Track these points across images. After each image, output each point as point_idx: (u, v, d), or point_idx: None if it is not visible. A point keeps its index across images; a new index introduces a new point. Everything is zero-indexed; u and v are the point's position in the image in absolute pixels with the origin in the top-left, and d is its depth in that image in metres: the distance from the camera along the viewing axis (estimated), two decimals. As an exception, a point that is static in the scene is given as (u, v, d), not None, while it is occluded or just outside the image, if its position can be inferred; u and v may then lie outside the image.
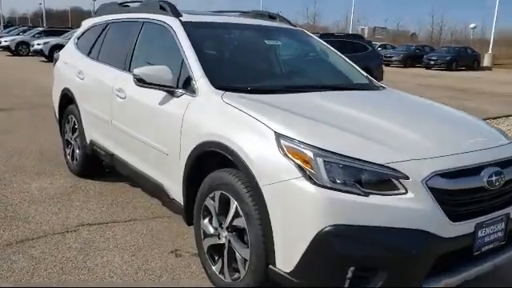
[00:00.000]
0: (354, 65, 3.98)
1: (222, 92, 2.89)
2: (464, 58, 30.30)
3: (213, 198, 2.75)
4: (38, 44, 23.11)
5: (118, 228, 3.69)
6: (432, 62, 29.32)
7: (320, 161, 2.18)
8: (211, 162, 2.81)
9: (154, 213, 4.02)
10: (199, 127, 2.84)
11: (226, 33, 3.72)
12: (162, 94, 3.20)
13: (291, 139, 2.30)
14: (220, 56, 3.41)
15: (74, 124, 4.74)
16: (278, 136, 2.34)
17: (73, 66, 4.73)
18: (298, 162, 2.22)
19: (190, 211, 3.02)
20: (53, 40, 23.23)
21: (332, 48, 4.09)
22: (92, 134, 4.36)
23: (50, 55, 22.43)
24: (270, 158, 2.32)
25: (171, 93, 3.15)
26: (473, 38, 53.99)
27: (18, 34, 30.33)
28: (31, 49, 24.28)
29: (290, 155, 2.26)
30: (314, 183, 2.16)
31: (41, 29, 29.85)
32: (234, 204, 2.56)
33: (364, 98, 3.36)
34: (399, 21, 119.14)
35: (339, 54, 4.09)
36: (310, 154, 2.21)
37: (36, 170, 5.07)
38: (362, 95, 3.41)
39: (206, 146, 2.75)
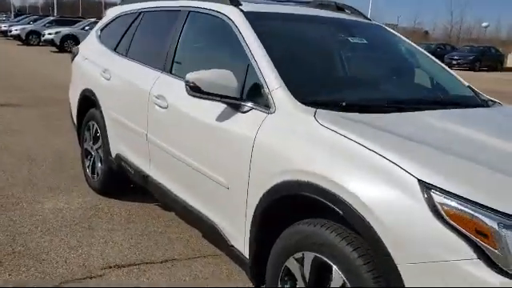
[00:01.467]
0: (451, 71, 3.17)
1: (312, 109, 2.09)
2: (488, 58, 29.26)
3: (300, 261, 1.97)
4: (49, 34, 22.41)
5: (153, 271, 2.92)
6: (454, 62, 28.27)
7: (510, 236, 1.39)
8: (297, 206, 2.03)
9: (194, 249, 3.24)
10: (281, 158, 2.05)
11: (300, 27, 2.91)
12: (220, 106, 2.41)
13: (450, 194, 1.50)
14: (298, 58, 2.60)
15: (96, 132, 3.97)
16: (427, 187, 1.55)
17: (96, 63, 3.95)
18: (468, 233, 1.43)
19: (259, 268, 2.24)
20: (64, 30, 22.54)
21: (421, 49, 3.28)
22: (119, 146, 3.59)
23: (62, 45, 21.84)
24: (415, 222, 1.52)
25: (235, 106, 2.36)
26: (484, 37, 52.69)
27: (29, 23, 29.64)
28: (42, 38, 23.60)
29: (450, 220, 1.47)
30: (501, 271, 1.37)
31: (52, 18, 29.14)
32: (338, 277, 1.77)
33: (486, 118, 2.55)
34: (416, 18, 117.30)
35: (430, 55, 3.27)
36: (491, 223, 1.41)
37: (49, 184, 4.30)
38: (482, 115, 2.60)
39: (293, 187, 1.95)
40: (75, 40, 22.19)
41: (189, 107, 2.66)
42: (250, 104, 2.31)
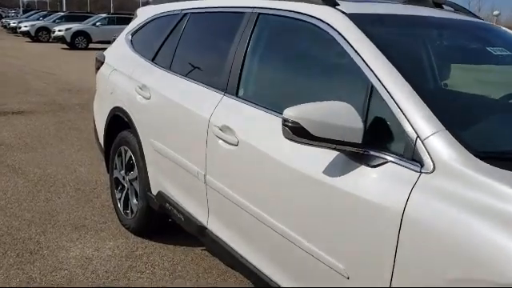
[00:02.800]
0: None
1: (501, 171, 1.35)
2: None
3: None
4: (60, 30, 21.74)
5: None
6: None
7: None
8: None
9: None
10: (460, 254, 1.30)
11: (424, 35, 2.15)
12: (328, 152, 1.68)
13: None
14: (447, 81, 1.85)
15: (130, 160, 3.25)
16: None
17: (129, 77, 3.22)
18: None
19: None
20: (75, 26, 21.86)
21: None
22: (163, 183, 2.87)
23: (72, 42, 21.18)
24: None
25: (358, 157, 1.61)
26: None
27: (38, 19, 29.01)
28: (52, 35, 22.95)
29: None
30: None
31: (61, 14, 28.48)
32: None
33: None
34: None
35: None
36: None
37: (73, 219, 3.59)
38: None
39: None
40: (86, 37, 21.55)
41: (275, 149, 1.92)
42: (384, 155, 1.56)
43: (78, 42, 21.42)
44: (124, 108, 3.22)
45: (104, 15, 23.52)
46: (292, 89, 2.07)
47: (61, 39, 21.66)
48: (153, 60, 3.12)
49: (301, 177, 1.78)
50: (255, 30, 2.33)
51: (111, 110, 3.41)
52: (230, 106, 2.27)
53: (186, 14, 2.99)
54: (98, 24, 21.96)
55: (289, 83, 2.15)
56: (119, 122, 3.37)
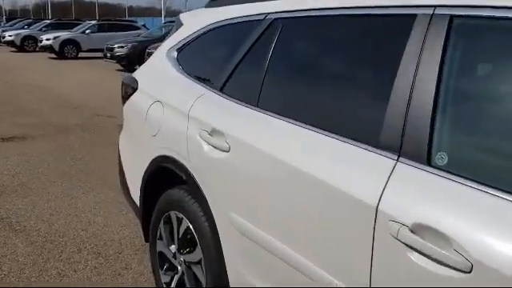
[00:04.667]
0: None
1: None
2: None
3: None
4: (48, 39, 20.49)
5: None
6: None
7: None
8: None
9: None
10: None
11: None
12: None
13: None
14: None
15: (188, 233, 2.22)
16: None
17: (185, 114, 2.18)
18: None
19: None
20: (63, 34, 20.66)
21: None
22: (254, 280, 1.84)
23: (61, 51, 20.06)
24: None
25: None
26: None
27: (23, 28, 27.71)
28: (39, 44, 21.71)
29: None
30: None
31: (48, 21, 27.17)
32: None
33: None
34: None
35: None
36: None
37: (100, 312, 2.57)
38: None
39: None
40: (76, 45, 20.36)
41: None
42: None
43: (67, 50, 20.20)
44: (178, 159, 2.20)
45: (94, 22, 22.32)
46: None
47: (49, 48, 20.44)
48: (222, 90, 2.11)
49: None
50: (449, 48, 1.33)
51: (155, 159, 2.38)
52: (414, 184, 1.27)
53: (275, 20, 1.97)
54: (87, 32, 20.75)
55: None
56: (168, 176, 2.35)
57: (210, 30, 2.35)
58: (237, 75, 2.07)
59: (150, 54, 14.70)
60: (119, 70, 15.90)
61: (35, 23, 28.19)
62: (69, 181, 4.66)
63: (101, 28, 21.02)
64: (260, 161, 1.76)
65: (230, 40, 2.22)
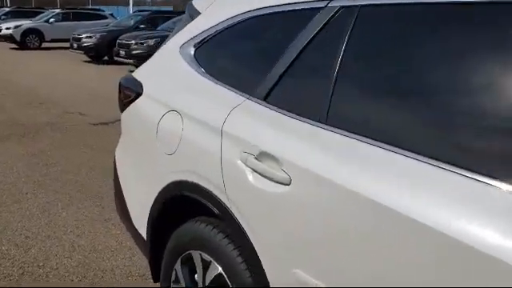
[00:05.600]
0: None
1: None
2: None
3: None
4: (8, 28, 19.25)
5: None
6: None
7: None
8: None
9: None
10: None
11: None
12: None
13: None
14: None
15: (218, 280, 1.73)
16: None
17: (214, 129, 1.66)
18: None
19: None
20: (25, 23, 19.44)
21: None
22: None
23: (23, 41, 18.93)
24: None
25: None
26: None
27: (-20, 16, 26.09)
28: (-2, 34, 20.44)
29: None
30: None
31: (7, 9, 25.66)
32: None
33: None
34: None
35: None
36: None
37: None
38: None
39: None
40: (39, 35, 19.22)
41: None
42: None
43: (29, 40, 19.01)
44: (207, 188, 1.69)
45: (58, 10, 21.13)
46: None
47: (9, 38, 19.21)
48: (267, 98, 1.61)
49: None
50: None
51: (171, 184, 1.87)
52: None
53: (345, 8, 1.49)
54: (51, 20, 19.59)
55: None
56: (186, 207, 1.85)
57: (244, 21, 1.84)
58: (289, 80, 1.58)
59: (121, 45, 14.02)
60: (86, 62, 15.05)
61: (-7, 11, 26.58)
62: (44, 193, 4.05)
63: (65, 17, 19.94)
64: (345, 203, 1.27)
65: (276, 34, 1.72)
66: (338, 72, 1.43)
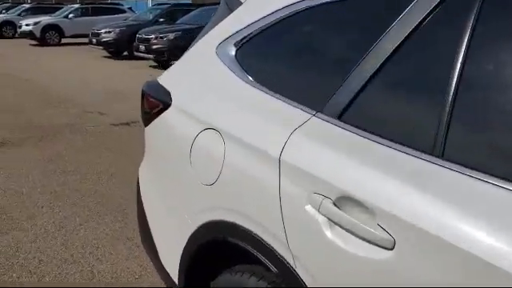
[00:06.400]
0: None
1: None
2: None
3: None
4: (27, 24, 19.10)
5: None
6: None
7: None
8: None
9: None
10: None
11: None
12: None
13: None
14: None
15: None
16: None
17: (268, 156, 1.23)
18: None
19: None
20: (44, 19, 19.26)
21: None
22: None
23: (43, 37, 18.78)
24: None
25: None
26: None
27: (1, 13, 26.11)
28: (18, 30, 20.32)
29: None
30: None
31: (27, 6, 25.59)
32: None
33: None
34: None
35: None
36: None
37: None
38: None
39: None
40: (58, 31, 19.02)
41: None
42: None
43: (49, 37, 18.82)
44: (259, 236, 1.27)
45: (77, 6, 20.92)
46: None
47: (29, 34, 19.07)
48: (341, 117, 1.18)
49: None
50: None
51: (208, 224, 1.45)
52: None
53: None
54: (70, 16, 19.38)
55: None
56: (223, 254, 1.44)
57: (304, 10, 1.40)
58: (377, 91, 1.14)
59: (140, 40, 13.66)
60: (106, 57, 14.77)
61: (13, 7, 26.57)
62: (61, 206, 3.69)
63: (84, 12, 19.69)
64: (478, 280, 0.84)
65: (353, 25, 1.28)
66: (458, 80, 0.98)
